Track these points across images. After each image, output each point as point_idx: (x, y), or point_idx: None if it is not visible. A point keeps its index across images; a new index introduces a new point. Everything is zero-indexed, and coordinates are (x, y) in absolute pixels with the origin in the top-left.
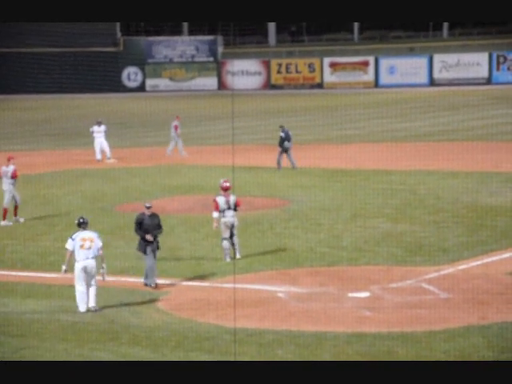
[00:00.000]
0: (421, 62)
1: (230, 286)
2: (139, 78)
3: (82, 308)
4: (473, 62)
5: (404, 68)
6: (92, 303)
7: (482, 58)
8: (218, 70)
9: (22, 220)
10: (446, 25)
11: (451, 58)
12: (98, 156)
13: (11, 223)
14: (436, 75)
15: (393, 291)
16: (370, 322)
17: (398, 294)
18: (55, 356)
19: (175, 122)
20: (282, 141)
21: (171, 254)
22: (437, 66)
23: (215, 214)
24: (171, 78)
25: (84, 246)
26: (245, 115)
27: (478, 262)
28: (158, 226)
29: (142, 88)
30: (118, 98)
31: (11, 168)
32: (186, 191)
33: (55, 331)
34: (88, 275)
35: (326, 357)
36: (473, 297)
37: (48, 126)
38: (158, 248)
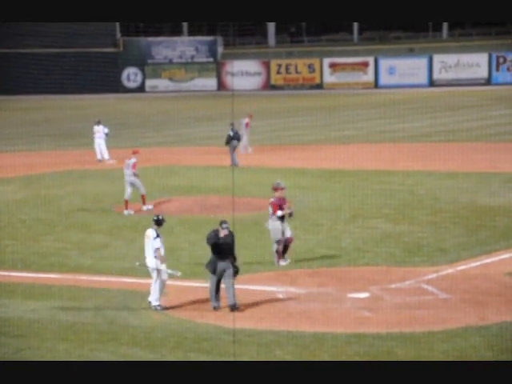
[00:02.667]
0: (420, 63)
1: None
2: (139, 78)
3: (153, 301)
4: (472, 63)
5: (403, 69)
6: (150, 298)
7: (481, 58)
8: (218, 70)
9: (150, 207)
10: (445, 25)
11: (451, 58)
12: (98, 156)
13: (133, 212)
14: (435, 76)
15: (392, 292)
16: (369, 322)
17: (397, 294)
18: (56, 356)
19: (246, 120)
20: (229, 139)
21: (170, 254)
22: (436, 66)
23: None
24: (171, 79)
25: (146, 243)
26: (245, 116)
27: (477, 263)
28: (232, 246)
29: (141, 88)
30: (117, 99)
31: (132, 161)
32: (185, 192)
33: (55, 332)
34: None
35: (326, 357)
36: (472, 297)
37: (48, 126)
38: (234, 270)
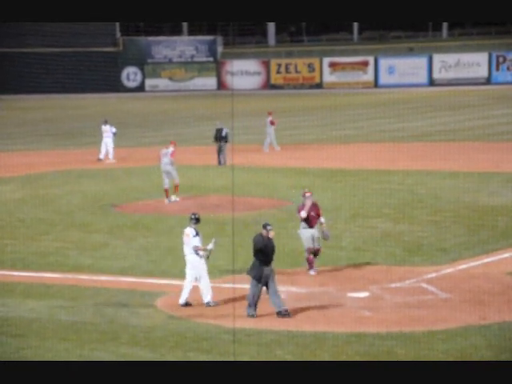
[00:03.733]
0: (420, 62)
1: (229, 286)
2: (139, 77)
3: (180, 300)
4: (472, 62)
5: (403, 68)
6: (204, 299)
7: (481, 58)
8: (218, 70)
9: (177, 199)
10: (445, 25)
11: (451, 58)
12: (101, 155)
13: (178, 199)
14: (435, 75)
15: (392, 291)
16: (369, 322)
17: (397, 293)
18: (55, 356)
19: (269, 118)
20: (217, 138)
21: (170, 253)
22: (436, 66)
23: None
24: (171, 78)
25: (184, 241)
26: (244, 115)
27: (478, 262)
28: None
29: (141, 88)
30: (117, 98)
31: (170, 150)
32: (184, 191)
33: (55, 331)
34: (190, 271)
35: (326, 357)
36: (472, 297)
37: (48, 125)
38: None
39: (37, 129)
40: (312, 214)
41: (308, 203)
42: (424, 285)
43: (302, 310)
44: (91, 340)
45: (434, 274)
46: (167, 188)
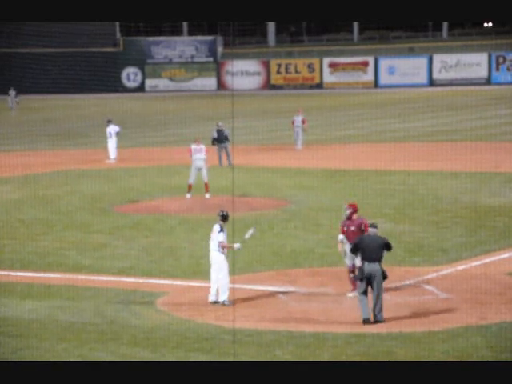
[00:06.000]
0: (420, 63)
1: (230, 286)
2: (139, 78)
3: (209, 298)
4: (472, 63)
5: (404, 68)
6: (219, 298)
7: (481, 58)
8: (218, 70)
9: (208, 196)
10: (445, 25)
11: (451, 58)
12: (112, 155)
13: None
14: (436, 75)
15: (392, 291)
16: (369, 322)
17: (397, 294)
18: (54, 356)
19: (294, 117)
20: (214, 140)
21: (171, 253)
22: (436, 66)
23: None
24: (171, 79)
25: (211, 237)
26: (244, 115)
27: (478, 262)
28: (382, 250)
29: (141, 88)
30: (117, 99)
31: (203, 146)
32: (185, 192)
33: (54, 331)
34: (214, 267)
35: (326, 357)
36: (472, 297)
37: (47, 126)
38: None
39: (36, 129)
40: (352, 228)
41: (353, 216)
42: (424, 285)
43: (302, 310)
44: (91, 340)
45: (434, 275)
46: (192, 184)
